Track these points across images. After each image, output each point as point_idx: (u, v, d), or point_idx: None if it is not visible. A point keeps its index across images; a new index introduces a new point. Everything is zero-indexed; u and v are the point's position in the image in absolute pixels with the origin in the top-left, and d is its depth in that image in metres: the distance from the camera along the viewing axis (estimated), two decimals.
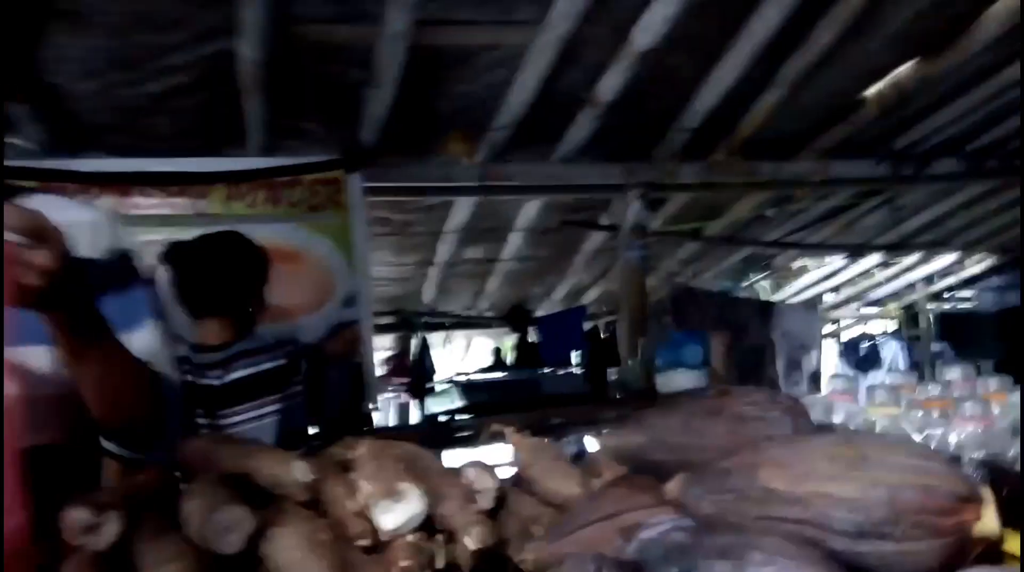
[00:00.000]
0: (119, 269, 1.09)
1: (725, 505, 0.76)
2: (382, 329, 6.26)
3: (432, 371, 5.69)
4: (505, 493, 1.11)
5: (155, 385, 1.05)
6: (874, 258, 6.88)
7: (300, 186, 2.87)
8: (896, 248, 6.27)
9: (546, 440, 1.18)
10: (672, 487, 0.81)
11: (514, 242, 4.73)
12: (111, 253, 1.10)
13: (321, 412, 1.62)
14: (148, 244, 2.50)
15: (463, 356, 7.62)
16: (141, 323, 1.07)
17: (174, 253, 1.84)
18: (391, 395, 6.21)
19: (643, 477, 0.94)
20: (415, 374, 5.55)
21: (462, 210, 4.00)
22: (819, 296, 8.11)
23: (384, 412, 6.05)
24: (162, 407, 1.04)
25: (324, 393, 1.62)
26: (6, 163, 2.41)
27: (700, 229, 5.08)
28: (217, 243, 1.82)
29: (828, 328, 8.89)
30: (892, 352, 7.95)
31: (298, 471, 0.98)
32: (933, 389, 1.09)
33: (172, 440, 1.03)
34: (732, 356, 4.65)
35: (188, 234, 2.04)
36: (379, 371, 6.50)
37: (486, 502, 1.07)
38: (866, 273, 7.65)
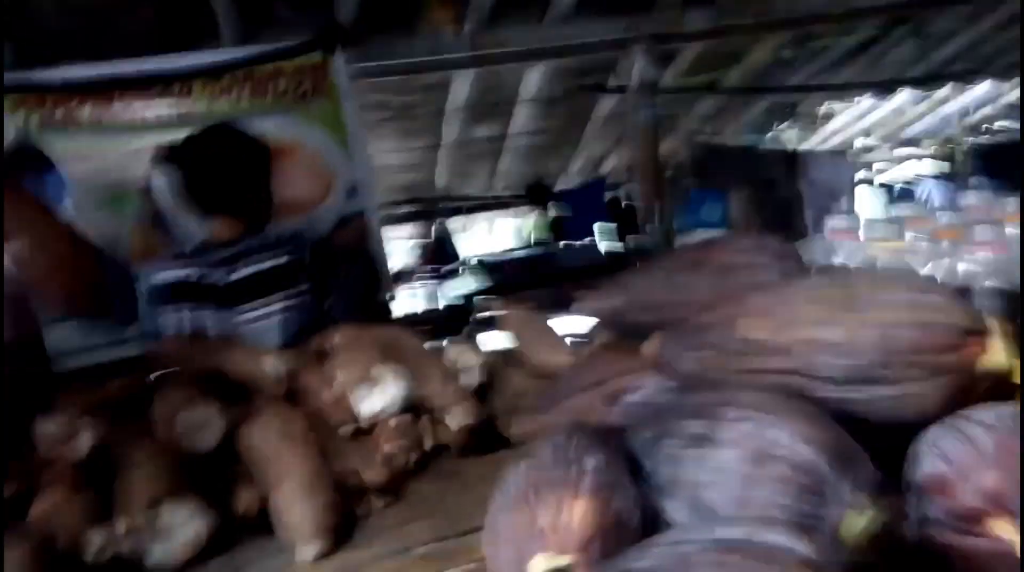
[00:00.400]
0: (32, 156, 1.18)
1: (705, 361, 0.70)
2: (400, 219, 6.22)
3: (454, 256, 5.66)
4: (494, 370, 1.07)
5: (98, 255, 1.13)
6: (905, 94, 6.52)
7: (284, 76, 2.75)
8: (928, 81, 5.90)
9: (534, 313, 1.12)
10: (649, 347, 0.75)
11: (522, 115, 4.55)
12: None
13: (331, 307, 1.58)
14: (137, 151, 2.44)
15: (486, 238, 7.56)
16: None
17: (172, 154, 1.77)
18: (418, 284, 6.23)
19: (631, 342, 0.89)
20: (437, 260, 5.53)
21: (461, 86, 3.82)
22: (849, 141, 7.79)
23: (414, 301, 6.09)
24: (107, 276, 1.08)
25: (333, 287, 1.58)
26: None
27: (716, 81, 4.80)
28: (215, 137, 1.74)
29: (861, 174, 8.60)
30: (928, 192, 7.68)
31: (270, 364, 0.94)
32: (944, 218, 0.99)
33: (133, 319, 1.09)
34: (756, 211, 4.51)
35: (176, 137, 1.96)
36: (405, 261, 6.54)
37: (471, 380, 1.03)
38: (897, 111, 7.28)
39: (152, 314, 1.54)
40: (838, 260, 0.90)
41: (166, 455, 0.84)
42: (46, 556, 0.75)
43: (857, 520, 0.54)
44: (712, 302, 0.74)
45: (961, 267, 0.80)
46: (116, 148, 2.44)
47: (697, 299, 0.78)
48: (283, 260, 1.55)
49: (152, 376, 1.00)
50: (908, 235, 0.90)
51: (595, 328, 0.97)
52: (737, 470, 0.56)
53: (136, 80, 2.60)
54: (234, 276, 1.52)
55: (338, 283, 1.63)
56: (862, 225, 1.00)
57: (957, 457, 0.55)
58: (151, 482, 0.79)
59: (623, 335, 0.87)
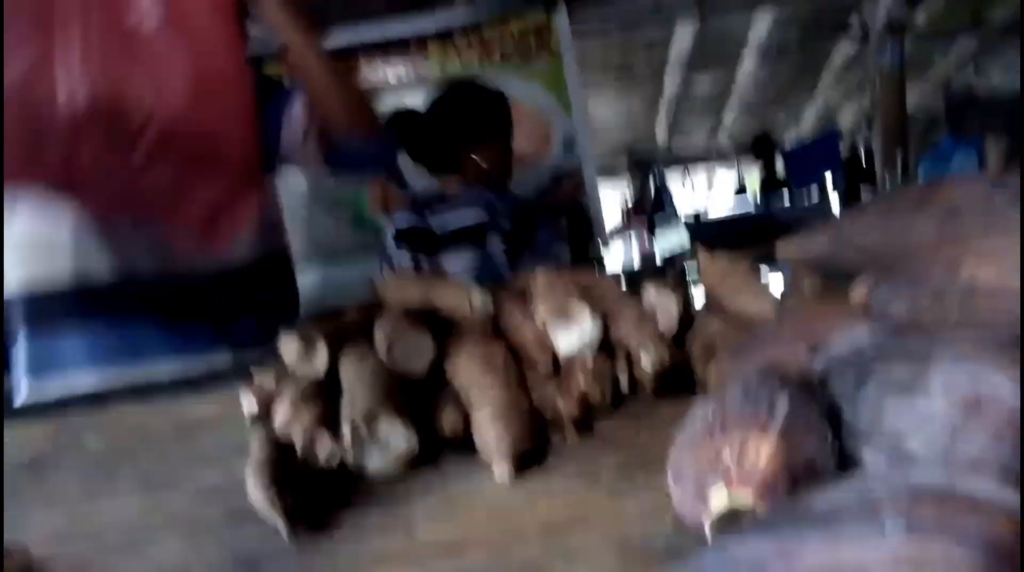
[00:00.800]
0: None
1: (922, 307, 0.64)
2: (618, 174, 6.20)
3: (672, 212, 5.54)
4: (693, 315, 1.06)
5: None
6: None
7: (510, 36, 2.84)
8: None
9: (738, 261, 1.08)
10: (858, 291, 0.70)
11: (747, 66, 4.31)
12: None
13: (525, 264, 1.65)
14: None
15: (706, 193, 7.30)
16: None
17: (405, 115, 1.92)
18: (635, 238, 6.21)
19: (839, 290, 0.83)
20: (653, 215, 5.45)
21: (683, 38, 3.69)
22: None
23: (629, 255, 6.07)
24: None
25: (528, 248, 1.65)
26: None
27: (978, 18, 4.21)
28: (458, 93, 1.86)
29: None
30: None
31: (476, 299, 1.00)
32: None
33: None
34: (1018, 164, 3.92)
35: (412, 98, 2.11)
36: (622, 215, 6.53)
37: (669, 324, 1.02)
38: None
39: (388, 257, 1.72)
40: None
41: (385, 376, 0.93)
42: (286, 456, 0.88)
43: None
44: (935, 244, 0.67)
45: None
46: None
47: (918, 242, 0.71)
48: (484, 218, 1.62)
49: (377, 308, 1.11)
50: None
51: (801, 274, 0.92)
52: (946, 419, 0.51)
53: (378, 45, 2.81)
54: (448, 227, 1.64)
55: (539, 244, 1.68)
56: None
57: None
58: (372, 398, 0.88)
59: (832, 280, 0.82)
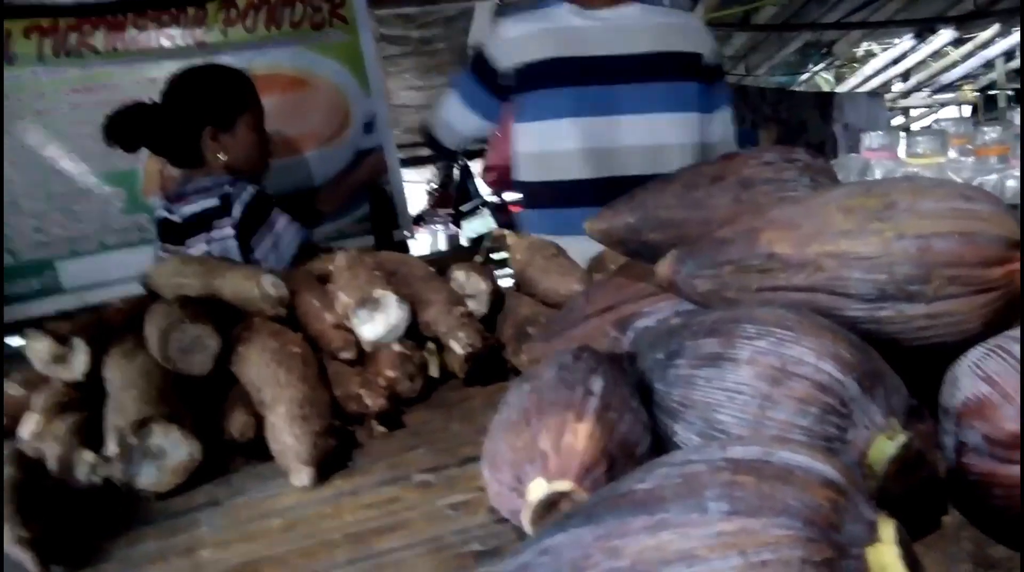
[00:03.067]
0: None
1: (722, 280, 0.65)
2: (421, 161, 6.13)
3: (477, 198, 5.58)
4: (502, 297, 1.03)
5: None
6: (947, 35, 6.24)
7: (299, 3, 2.66)
8: (971, 19, 5.63)
9: (545, 240, 1.07)
10: (662, 266, 0.70)
11: None
12: None
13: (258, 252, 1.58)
14: (152, 81, 2.39)
15: None
16: None
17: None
18: (440, 226, 6.18)
19: (646, 266, 0.83)
20: (458, 202, 5.46)
21: (484, 19, 3.70)
22: (887, 84, 7.51)
23: (433, 244, 6.05)
24: None
25: (253, 233, 1.57)
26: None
27: (748, 16, 4.61)
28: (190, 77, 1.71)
29: (897, 120, 8.30)
30: None
31: (267, 284, 0.90)
32: (991, 133, 0.91)
33: None
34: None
35: (192, 64, 1.90)
36: (425, 202, 6.48)
37: (478, 306, 0.99)
38: (938, 54, 6.98)
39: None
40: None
41: (158, 376, 0.81)
42: (37, 477, 0.73)
43: (886, 445, 0.49)
44: (733, 217, 0.68)
45: (1010, 184, 0.73)
46: (132, 76, 2.38)
47: (717, 216, 0.72)
48: (215, 203, 1.55)
49: (146, 299, 0.97)
50: (952, 152, 0.82)
51: (606, 251, 0.91)
52: (754, 389, 0.51)
53: (149, 3, 2.52)
54: (184, 215, 1.56)
55: (265, 232, 1.62)
56: (902, 141, 0.92)
57: (1001, 379, 0.49)
58: (142, 403, 0.76)
59: (636, 256, 0.81)
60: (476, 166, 6.52)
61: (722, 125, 1.77)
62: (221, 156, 1.62)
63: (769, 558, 0.38)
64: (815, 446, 0.45)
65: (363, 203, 2.73)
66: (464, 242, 4.89)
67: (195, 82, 1.67)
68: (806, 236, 0.60)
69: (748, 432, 0.51)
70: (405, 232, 2.94)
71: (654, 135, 1.65)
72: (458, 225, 5.17)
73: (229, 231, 1.53)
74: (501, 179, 3.02)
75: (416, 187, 6.22)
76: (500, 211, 3.65)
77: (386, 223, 2.75)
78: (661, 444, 0.59)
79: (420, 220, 5.71)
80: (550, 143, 1.66)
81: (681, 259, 0.68)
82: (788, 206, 0.63)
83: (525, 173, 1.74)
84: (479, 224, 4.23)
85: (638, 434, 0.57)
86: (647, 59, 1.65)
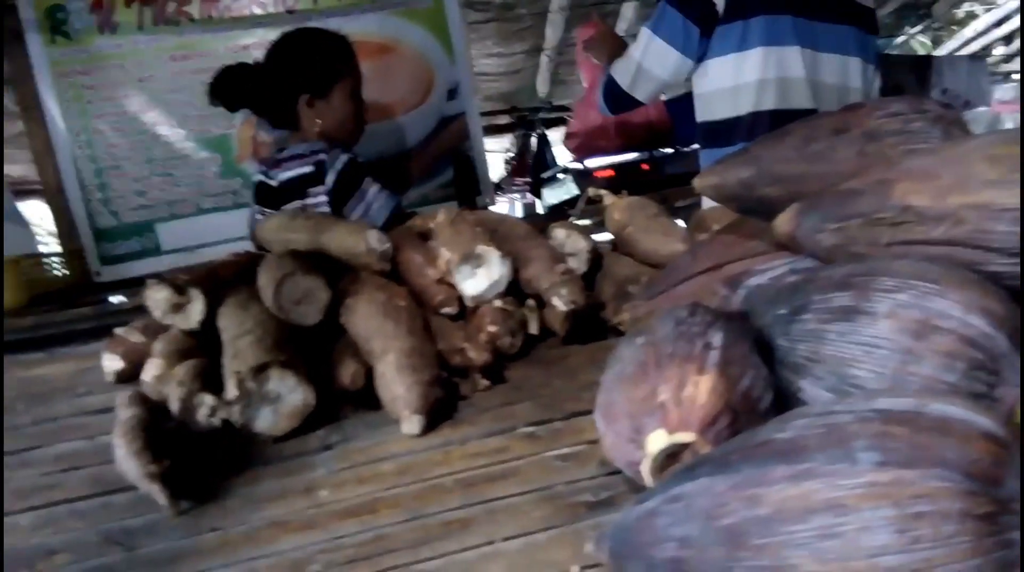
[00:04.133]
0: None
1: (849, 234, 0.62)
2: (498, 130, 6.12)
3: (553, 164, 5.53)
4: (601, 255, 1.02)
5: None
6: None
7: None
8: None
9: (645, 199, 1.05)
10: (782, 221, 0.67)
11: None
12: None
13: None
14: (245, 47, 2.45)
15: None
16: None
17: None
18: (517, 195, 6.17)
19: (756, 222, 0.81)
20: (536, 170, 5.43)
21: None
22: (988, 47, 7.06)
23: (510, 213, 6.05)
24: None
25: (346, 201, 1.59)
26: None
27: None
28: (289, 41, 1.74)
29: (1001, 87, 7.82)
30: None
31: (373, 239, 0.92)
32: None
33: None
34: None
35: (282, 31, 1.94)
36: (504, 170, 6.47)
37: (578, 264, 0.98)
38: None
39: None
40: None
41: (273, 326, 0.84)
42: (160, 418, 0.77)
43: None
44: (858, 170, 0.65)
45: None
46: (225, 44, 2.44)
47: (840, 169, 0.69)
48: (310, 170, 1.59)
49: (255, 254, 1.00)
50: None
51: (707, 211, 0.89)
52: (894, 344, 0.49)
53: None
54: (280, 180, 1.59)
55: (357, 199, 1.65)
56: None
57: None
58: (260, 350, 0.79)
59: (749, 213, 0.79)
60: (553, 135, 6.48)
61: (877, 79, 1.87)
62: (316, 122, 1.65)
63: (925, 510, 0.36)
64: (971, 398, 0.43)
65: (447, 169, 2.75)
66: (541, 210, 4.86)
67: (294, 47, 1.69)
68: (945, 187, 0.56)
69: (886, 387, 0.49)
70: (486, 199, 2.94)
71: (845, 76, 1.75)
72: (536, 194, 5.14)
73: (323, 198, 1.57)
74: (584, 145, 2.97)
75: (494, 156, 6.21)
76: (583, 177, 3.60)
77: (469, 189, 2.76)
78: (783, 401, 0.57)
79: (498, 189, 5.71)
80: (773, 70, 1.67)
81: (803, 213, 0.65)
82: (924, 156, 0.60)
83: (725, 109, 1.74)
84: (561, 191, 4.19)
85: (760, 389, 0.56)
86: (842, 2, 1.74)
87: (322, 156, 1.58)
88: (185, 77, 2.37)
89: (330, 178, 1.56)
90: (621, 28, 4.43)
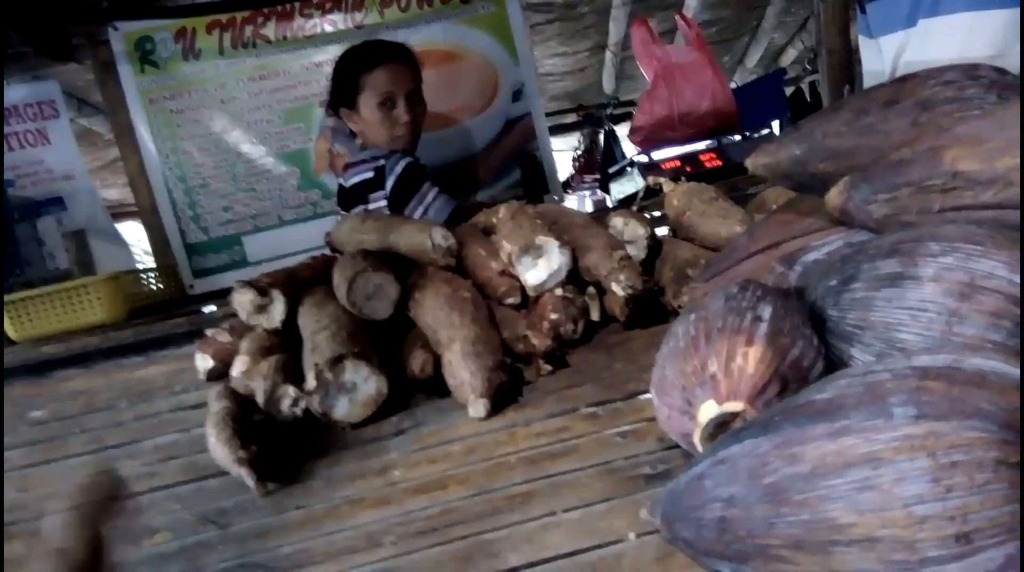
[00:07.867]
0: None
1: (900, 203, 0.62)
2: (566, 128, 6.13)
3: (623, 160, 5.50)
4: (660, 241, 1.03)
5: None
6: None
7: None
8: None
9: (703, 185, 1.05)
10: (833, 194, 0.68)
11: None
12: None
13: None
14: (318, 64, 2.56)
15: None
16: None
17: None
18: (586, 192, 6.17)
19: (813, 199, 0.81)
20: (604, 167, 5.41)
21: None
22: None
23: (581, 210, 6.04)
24: None
25: (405, 204, 1.68)
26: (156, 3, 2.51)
27: None
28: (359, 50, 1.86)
29: None
30: None
31: (438, 236, 0.96)
32: None
33: None
34: None
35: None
36: (571, 168, 6.48)
37: (637, 251, 1.00)
38: None
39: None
40: None
41: (346, 320, 0.89)
42: (247, 409, 0.83)
43: None
44: (912, 139, 0.65)
45: None
46: (300, 62, 2.56)
47: (893, 141, 0.69)
48: (370, 175, 1.69)
49: (330, 258, 1.06)
50: None
51: (767, 191, 0.89)
52: (940, 306, 0.49)
53: None
54: (348, 184, 1.67)
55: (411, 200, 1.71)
56: None
57: None
58: (336, 343, 0.84)
59: (803, 189, 0.79)
60: (621, 131, 6.45)
61: None
62: (360, 131, 1.76)
63: (960, 459, 0.37)
64: (1010, 352, 0.43)
65: (514, 170, 2.79)
66: (610, 205, 4.86)
67: (335, 65, 1.83)
68: (995, 150, 0.56)
69: (934, 348, 0.49)
70: (555, 197, 2.97)
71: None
72: (605, 189, 5.13)
73: (383, 202, 1.65)
74: (650, 138, 2.96)
75: (562, 155, 6.23)
76: (650, 169, 3.58)
77: (537, 188, 2.79)
78: (835, 370, 0.58)
79: (567, 186, 5.72)
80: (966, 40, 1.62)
81: (854, 185, 0.66)
82: (973, 122, 0.60)
83: None
84: (628, 185, 4.18)
85: (810, 358, 0.57)
86: None
87: (381, 162, 1.67)
88: (263, 96, 2.49)
89: (389, 182, 1.64)
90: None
